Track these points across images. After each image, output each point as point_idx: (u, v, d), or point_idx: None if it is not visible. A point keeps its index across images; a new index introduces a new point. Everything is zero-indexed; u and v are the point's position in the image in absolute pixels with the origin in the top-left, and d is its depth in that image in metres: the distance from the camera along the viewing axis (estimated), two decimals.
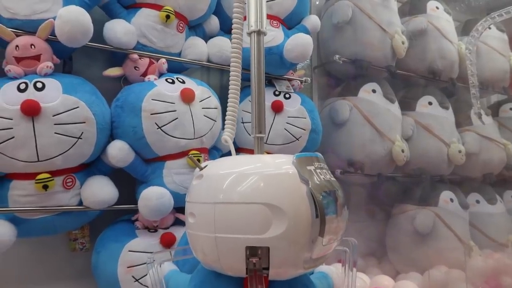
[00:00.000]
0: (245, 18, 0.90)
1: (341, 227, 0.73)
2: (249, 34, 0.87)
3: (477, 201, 2.19)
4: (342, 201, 0.74)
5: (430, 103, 2.10)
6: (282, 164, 0.69)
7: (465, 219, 1.99)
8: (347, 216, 0.75)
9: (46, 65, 1.18)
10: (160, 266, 0.89)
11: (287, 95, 1.63)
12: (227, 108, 0.87)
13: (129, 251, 1.25)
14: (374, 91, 1.92)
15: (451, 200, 1.96)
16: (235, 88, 0.88)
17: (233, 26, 0.88)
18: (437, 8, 2.21)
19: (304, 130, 1.59)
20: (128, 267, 1.23)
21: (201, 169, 0.75)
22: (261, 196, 0.65)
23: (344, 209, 0.74)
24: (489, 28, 2.24)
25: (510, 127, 2.42)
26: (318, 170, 0.71)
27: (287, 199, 0.65)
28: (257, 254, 0.65)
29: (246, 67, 0.88)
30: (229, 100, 0.87)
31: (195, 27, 1.54)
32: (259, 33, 0.87)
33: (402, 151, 1.84)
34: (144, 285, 1.24)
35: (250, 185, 0.67)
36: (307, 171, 0.68)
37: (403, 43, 1.94)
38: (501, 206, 2.23)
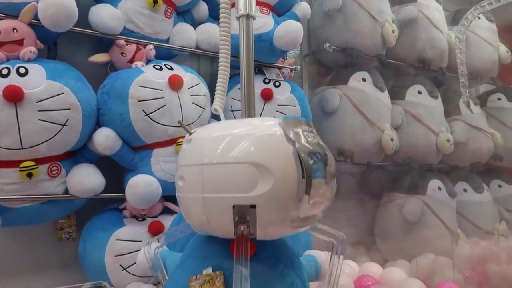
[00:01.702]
0: (233, 5, 0.89)
1: (329, 194, 0.74)
2: (238, 18, 0.87)
3: (465, 190, 2.22)
4: (333, 171, 0.75)
5: (419, 92, 2.10)
6: (269, 126, 0.70)
7: (452, 208, 2.01)
8: (335, 186, 0.77)
9: (29, 50, 1.15)
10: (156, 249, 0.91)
11: (277, 83, 1.61)
12: (217, 79, 0.87)
13: (117, 239, 1.23)
14: (364, 79, 1.92)
15: (439, 188, 1.98)
16: (225, 60, 0.88)
17: None
18: None
19: None
20: (115, 256, 1.22)
21: (190, 134, 0.76)
22: (247, 156, 0.67)
23: (334, 179, 0.75)
24: (479, 17, 2.24)
25: (498, 117, 2.44)
26: (306, 133, 0.73)
27: (273, 159, 0.66)
28: (244, 214, 0.67)
29: (235, 54, 0.86)
30: (219, 71, 0.87)
31: (183, 13, 1.51)
32: (248, 17, 0.86)
33: (392, 140, 1.85)
34: (132, 274, 1.23)
35: (236, 145, 0.68)
36: (294, 133, 0.70)
37: (393, 31, 1.94)
38: (488, 194, 2.26)
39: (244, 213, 0.67)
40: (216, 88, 0.88)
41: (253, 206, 0.67)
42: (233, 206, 0.67)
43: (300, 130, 0.72)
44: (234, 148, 0.68)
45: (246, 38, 0.86)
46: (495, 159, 2.35)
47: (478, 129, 2.25)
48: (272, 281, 0.78)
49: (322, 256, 0.96)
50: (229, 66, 0.88)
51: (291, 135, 0.69)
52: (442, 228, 1.89)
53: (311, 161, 0.68)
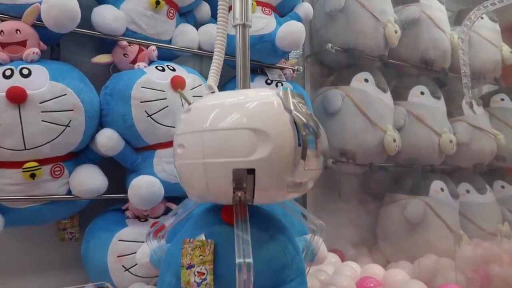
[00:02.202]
0: (230, 8, 0.90)
1: (319, 164, 0.78)
2: (235, 27, 0.89)
3: (467, 191, 2.21)
4: (324, 146, 0.79)
5: (422, 93, 2.09)
6: (267, 95, 0.74)
7: (455, 209, 2.00)
8: (322, 162, 0.81)
9: (32, 51, 1.15)
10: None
11: (279, 84, 1.61)
12: (213, 57, 0.90)
13: (119, 240, 1.24)
14: (366, 80, 1.91)
15: (442, 189, 1.97)
16: (221, 39, 0.89)
17: None
18: None
19: None
20: (118, 257, 1.23)
21: (189, 104, 0.79)
22: (247, 121, 0.70)
23: (323, 156, 0.79)
24: (482, 17, 2.23)
25: (500, 118, 2.43)
26: (300, 104, 0.76)
27: (272, 125, 0.70)
28: (241, 180, 0.70)
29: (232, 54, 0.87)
30: (215, 48, 0.89)
31: (185, 14, 1.51)
32: (244, 26, 0.89)
33: (394, 140, 1.84)
34: (135, 275, 1.23)
35: (237, 112, 0.71)
36: (291, 103, 0.73)
37: (396, 32, 1.93)
38: (491, 195, 2.25)
39: (241, 180, 0.70)
40: (212, 65, 0.90)
41: (251, 172, 0.69)
42: (233, 170, 0.69)
43: (295, 101, 0.75)
44: (234, 114, 0.71)
45: (242, 47, 0.89)
46: (498, 159, 2.34)
47: (481, 130, 2.24)
48: (262, 243, 0.81)
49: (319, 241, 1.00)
50: (225, 42, 0.90)
51: (289, 105, 0.73)
52: (445, 229, 1.88)
53: (308, 137, 0.72)
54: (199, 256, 0.80)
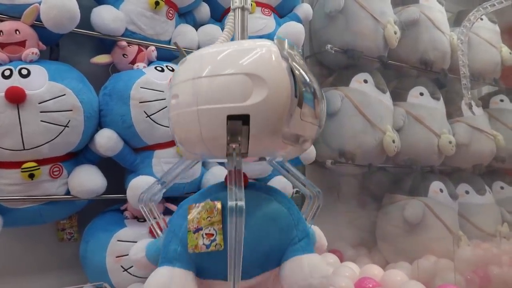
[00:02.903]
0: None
1: (315, 122, 0.78)
2: (233, 10, 0.88)
3: (467, 192, 2.21)
4: (321, 109, 0.79)
5: (421, 94, 2.10)
6: (264, 44, 0.73)
7: (454, 210, 2.00)
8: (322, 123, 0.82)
9: (31, 51, 1.15)
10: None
11: None
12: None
13: (118, 240, 1.24)
14: (366, 81, 1.91)
15: (441, 190, 1.97)
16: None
17: None
18: None
19: None
20: (116, 257, 1.22)
21: (185, 56, 0.78)
22: (242, 67, 0.69)
23: (321, 118, 0.80)
24: (481, 19, 2.24)
25: (500, 119, 2.43)
26: (296, 56, 0.76)
27: (268, 70, 0.69)
28: (236, 132, 0.69)
29: None
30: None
31: (185, 15, 1.51)
32: (243, 9, 0.87)
33: (393, 141, 1.84)
34: (133, 275, 1.23)
35: (232, 59, 0.70)
36: (288, 52, 0.73)
37: (395, 33, 1.93)
38: (490, 196, 2.25)
39: (236, 131, 0.69)
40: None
41: (246, 122, 0.68)
42: (227, 117, 0.68)
43: (292, 53, 0.75)
44: (229, 60, 0.70)
45: (241, 31, 0.87)
46: (497, 160, 2.34)
47: (480, 131, 2.24)
48: (268, 203, 0.83)
49: (318, 229, 1.01)
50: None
51: (285, 53, 0.72)
52: (444, 230, 1.88)
53: (303, 89, 0.72)
54: (207, 218, 0.79)
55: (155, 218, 0.95)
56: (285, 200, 0.87)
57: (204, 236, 0.78)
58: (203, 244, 0.78)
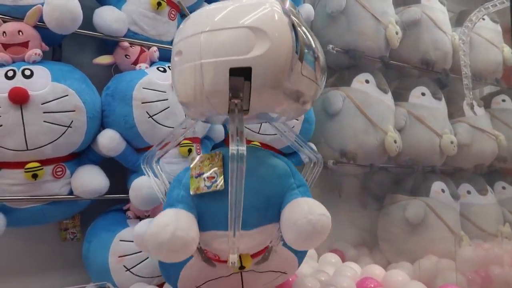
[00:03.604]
0: None
1: (316, 81, 0.80)
2: None
3: (468, 192, 2.21)
4: (321, 70, 0.81)
5: (423, 94, 2.09)
6: (266, 1, 0.74)
7: (456, 210, 2.00)
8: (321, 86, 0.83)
9: (34, 52, 1.16)
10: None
11: None
12: None
13: (120, 240, 1.24)
14: (367, 81, 1.91)
15: (443, 190, 1.97)
16: None
17: None
18: None
19: (297, 120, 1.59)
20: (119, 257, 1.23)
21: (188, 15, 0.79)
22: (245, 21, 0.70)
23: (322, 80, 0.82)
24: (483, 19, 2.23)
25: (502, 119, 2.43)
26: (298, 16, 0.78)
27: (270, 24, 0.70)
28: (238, 88, 0.70)
29: None
30: None
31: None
32: None
33: (395, 141, 1.84)
34: (136, 275, 1.23)
35: (235, 14, 0.72)
36: (289, 9, 0.74)
37: (397, 33, 1.93)
38: (492, 197, 2.25)
39: (238, 87, 0.71)
40: None
41: (248, 76, 0.69)
42: (230, 70, 0.69)
43: (294, 10, 0.76)
44: (232, 16, 0.72)
45: None
46: (499, 160, 2.34)
47: (482, 131, 2.23)
48: (266, 156, 0.88)
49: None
50: None
51: (286, 9, 0.73)
52: (445, 230, 1.88)
53: (306, 51, 0.73)
54: (209, 165, 0.82)
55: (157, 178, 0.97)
56: (282, 157, 0.91)
57: (206, 179, 0.81)
58: (205, 185, 0.81)
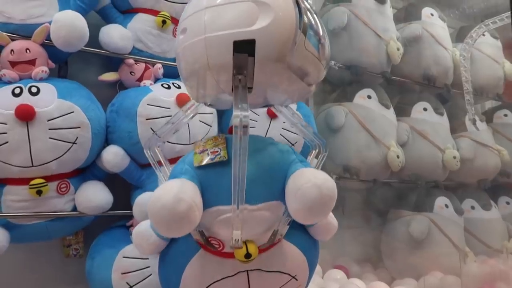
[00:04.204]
0: None
1: (320, 58, 0.79)
2: None
3: (472, 207, 2.20)
4: (327, 53, 0.82)
5: (425, 109, 2.11)
6: None
7: (460, 225, 1.99)
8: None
9: (41, 69, 1.17)
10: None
11: None
12: None
13: (124, 257, 1.23)
14: (369, 97, 1.93)
15: (446, 206, 1.96)
16: None
17: None
18: (432, 14, 2.23)
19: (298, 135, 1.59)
20: (122, 273, 1.22)
21: None
22: None
23: (325, 62, 0.83)
24: (483, 35, 2.26)
25: (504, 133, 2.43)
26: None
27: None
28: (242, 64, 0.70)
29: None
30: None
31: None
32: None
33: (397, 157, 1.85)
34: None
35: None
36: None
37: (398, 49, 1.96)
38: (496, 211, 2.24)
39: (242, 64, 0.71)
40: None
41: (252, 52, 0.69)
42: (234, 43, 0.69)
43: None
44: None
45: None
46: (503, 175, 2.33)
47: (485, 146, 2.24)
48: (268, 141, 0.88)
49: None
50: None
51: None
52: (450, 246, 1.87)
53: (309, 31, 0.74)
54: (212, 143, 0.84)
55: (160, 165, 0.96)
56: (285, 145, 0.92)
57: (209, 153, 0.82)
58: (208, 158, 0.81)
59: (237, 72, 0.72)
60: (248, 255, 0.81)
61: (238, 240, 0.76)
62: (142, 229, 0.92)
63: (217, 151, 0.82)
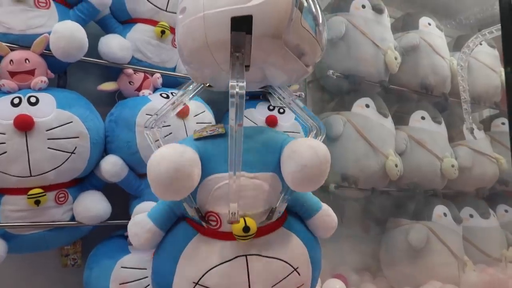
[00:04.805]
0: None
1: (315, 37, 0.81)
2: None
3: (471, 215, 2.20)
4: (324, 35, 0.83)
5: (423, 118, 2.11)
6: None
7: (458, 234, 1.99)
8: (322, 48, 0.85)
9: (40, 79, 1.18)
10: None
11: (281, 110, 1.63)
12: None
13: (122, 267, 1.23)
14: (367, 105, 1.93)
15: (445, 214, 1.96)
16: None
17: None
18: (429, 24, 2.24)
19: None
20: (120, 284, 1.22)
21: None
22: None
23: (322, 46, 0.83)
24: (480, 44, 2.27)
25: (502, 142, 2.44)
26: None
27: None
28: (240, 43, 0.73)
29: None
30: None
31: None
32: None
33: (396, 165, 1.85)
34: None
35: None
36: None
37: (396, 58, 1.97)
38: (495, 220, 2.24)
39: (239, 41, 0.73)
40: None
41: (249, 29, 0.71)
42: (231, 19, 0.71)
43: None
44: None
45: None
46: (501, 183, 2.34)
47: (483, 154, 2.24)
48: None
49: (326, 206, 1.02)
50: None
51: None
52: (449, 255, 1.87)
53: (305, 10, 0.76)
54: (211, 126, 0.90)
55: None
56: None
57: (208, 131, 0.87)
58: (207, 133, 0.87)
59: (234, 50, 0.74)
60: (246, 228, 0.80)
61: (235, 213, 0.77)
62: (138, 219, 0.92)
63: (215, 129, 0.87)
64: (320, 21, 0.83)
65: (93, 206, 1.23)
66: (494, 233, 2.20)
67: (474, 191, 2.27)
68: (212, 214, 0.84)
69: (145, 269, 1.23)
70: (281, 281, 0.87)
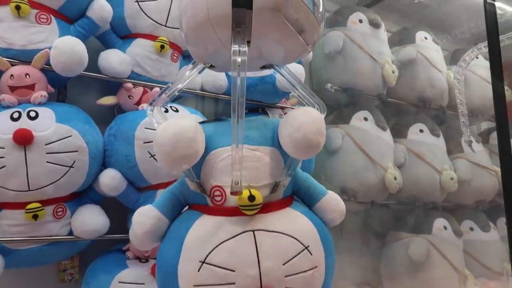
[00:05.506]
0: None
1: (315, 16, 0.82)
2: None
3: (471, 229, 2.19)
4: (322, 13, 0.84)
5: (421, 131, 2.12)
6: None
7: (459, 247, 1.98)
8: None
9: (40, 94, 1.19)
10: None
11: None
12: None
13: (119, 282, 1.22)
14: (366, 119, 1.94)
15: (445, 227, 1.95)
16: None
17: None
18: (426, 38, 2.27)
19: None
20: None
21: None
22: None
23: (319, 28, 0.85)
24: (477, 57, 2.30)
25: None
26: None
27: None
28: (241, 19, 0.74)
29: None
30: None
31: (189, 56, 1.56)
32: None
33: (395, 178, 1.85)
34: None
35: None
36: None
37: (393, 72, 1.98)
38: (495, 233, 2.23)
39: (240, 17, 0.74)
40: None
41: (249, 4, 0.73)
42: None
43: None
44: None
45: None
46: (501, 196, 2.32)
47: (482, 167, 2.24)
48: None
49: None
50: None
51: None
52: (450, 268, 1.85)
53: None
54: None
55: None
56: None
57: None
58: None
59: (236, 26, 0.75)
60: (252, 197, 0.81)
61: (238, 182, 0.77)
62: (142, 209, 0.93)
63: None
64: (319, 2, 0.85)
65: (91, 220, 1.22)
66: (495, 246, 2.19)
67: (474, 204, 2.26)
68: (216, 188, 0.85)
69: (143, 284, 1.22)
70: (292, 258, 0.82)
